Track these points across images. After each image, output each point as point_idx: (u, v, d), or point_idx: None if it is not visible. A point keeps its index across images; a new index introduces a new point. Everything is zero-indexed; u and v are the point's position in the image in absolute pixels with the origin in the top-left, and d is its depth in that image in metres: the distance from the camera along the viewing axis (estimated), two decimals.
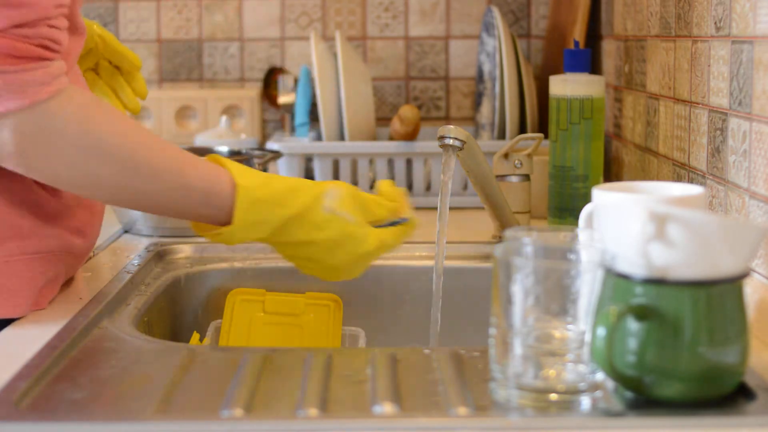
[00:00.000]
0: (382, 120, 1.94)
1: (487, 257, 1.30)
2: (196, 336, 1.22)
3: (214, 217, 0.98)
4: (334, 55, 1.68)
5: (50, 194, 1.02)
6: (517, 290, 0.75)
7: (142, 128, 0.97)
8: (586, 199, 1.33)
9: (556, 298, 0.75)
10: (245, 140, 1.84)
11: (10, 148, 0.89)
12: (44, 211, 1.01)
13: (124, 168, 0.93)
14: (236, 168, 0.98)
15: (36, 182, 1.01)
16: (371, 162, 1.62)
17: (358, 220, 1.00)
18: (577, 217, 0.96)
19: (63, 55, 0.93)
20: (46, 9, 0.88)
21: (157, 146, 0.96)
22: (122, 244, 1.35)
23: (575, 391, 0.76)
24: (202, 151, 1.51)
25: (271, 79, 1.98)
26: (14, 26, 0.86)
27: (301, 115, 1.79)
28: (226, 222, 0.98)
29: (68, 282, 1.12)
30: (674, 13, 1.29)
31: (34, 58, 0.88)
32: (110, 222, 1.44)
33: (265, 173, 1.01)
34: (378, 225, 1.02)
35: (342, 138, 1.65)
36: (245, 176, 0.98)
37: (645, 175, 1.44)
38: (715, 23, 1.13)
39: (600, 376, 0.77)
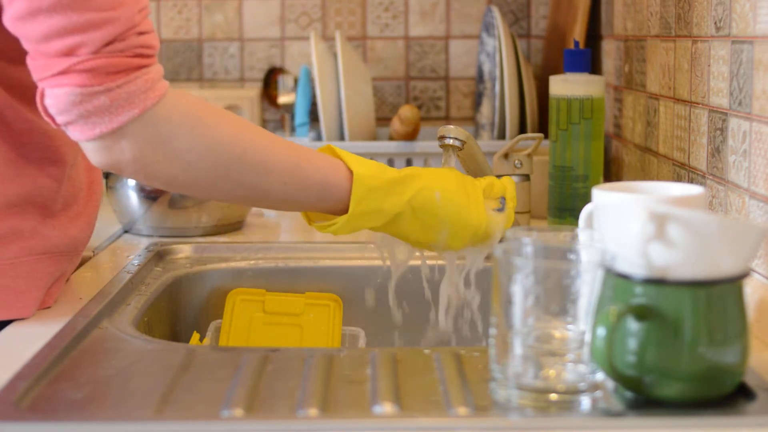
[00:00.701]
0: (382, 120, 1.94)
1: (487, 257, 1.29)
2: (196, 336, 1.22)
3: (330, 208, 0.99)
4: (334, 55, 1.68)
5: (53, 192, 1.02)
6: (517, 290, 0.75)
7: (251, 125, 0.98)
8: (586, 199, 1.33)
9: (556, 298, 0.75)
10: None
11: (129, 156, 0.90)
12: (48, 211, 1.02)
13: (238, 166, 0.94)
14: (351, 158, 0.99)
15: (39, 182, 1.01)
16: None
17: (469, 203, 1.02)
18: (577, 217, 0.96)
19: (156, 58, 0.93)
20: (131, 19, 0.89)
21: (269, 142, 0.96)
22: (122, 244, 1.35)
23: (575, 391, 0.76)
24: None
25: (271, 79, 1.98)
26: (106, 44, 0.87)
27: (301, 115, 1.79)
28: (341, 211, 0.98)
29: (68, 282, 1.12)
30: (674, 13, 1.29)
31: (132, 68, 0.89)
32: (110, 222, 1.44)
33: (377, 163, 1.02)
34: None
35: (342, 138, 1.65)
36: (361, 165, 0.98)
37: (645, 175, 1.44)
38: (715, 23, 1.13)
39: (600, 376, 0.77)
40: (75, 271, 1.14)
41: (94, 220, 1.12)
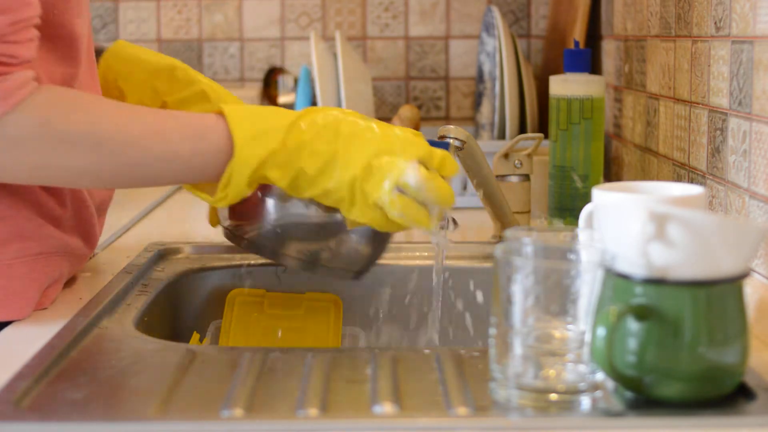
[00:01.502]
0: (382, 120, 1.94)
1: (487, 257, 1.30)
2: (196, 336, 1.22)
3: (215, 161, 0.94)
4: (334, 55, 1.68)
5: (50, 194, 1.02)
6: (517, 290, 0.75)
7: (112, 104, 0.95)
8: (586, 199, 1.33)
9: (556, 298, 0.75)
10: None
11: None
12: (44, 212, 1.01)
13: (94, 154, 0.93)
14: (220, 105, 0.97)
15: (26, 187, 1.00)
16: None
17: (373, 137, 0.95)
18: (577, 217, 0.96)
19: (31, 65, 0.92)
20: None
21: (128, 117, 0.94)
22: (122, 244, 1.35)
23: (575, 391, 0.76)
24: None
25: (271, 79, 1.98)
26: None
27: None
28: (227, 159, 0.94)
29: (68, 282, 1.12)
30: (674, 13, 1.29)
31: None
32: (110, 222, 1.44)
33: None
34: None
35: None
36: (230, 106, 0.95)
37: (645, 175, 1.44)
38: (715, 23, 1.13)
39: (600, 376, 0.77)
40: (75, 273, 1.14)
41: (98, 229, 1.11)
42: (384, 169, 0.94)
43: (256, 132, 0.93)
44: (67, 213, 1.05)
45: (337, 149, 0.94)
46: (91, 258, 1.25)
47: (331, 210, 1.01)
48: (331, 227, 1.04)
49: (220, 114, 0.95)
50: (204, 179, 0.96)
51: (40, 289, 1.01)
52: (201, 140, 0.94)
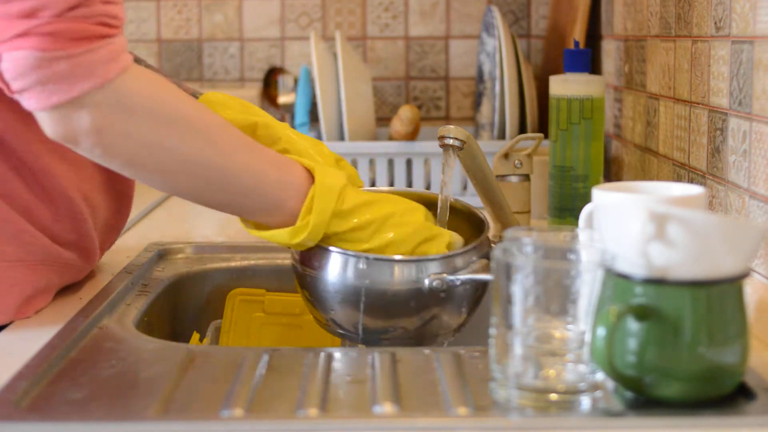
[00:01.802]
0: (382, 120, 1.94)
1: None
2: (196, 336, 1.22)
3: (286, 200, 0.96)
4: (334, 55, 1.68)
5: (43, 203, 1.00)
6: (517, 290, 0.75)
7: (206, 107, 0.96)
8: (586, 199, 1.33)
9: (556, 298, 0.75)
10: None
11: (87, 128, 0.87)
12: (35, 220, 0.99)
13: (201, 141, 0.92)
14: (302, 159, 0.98)
15: (26, 185, 0.99)
16: (371, 162, 1.62)
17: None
18: (577, 217, 0.96)
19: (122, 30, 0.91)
20: None
21: (225, 124, 0.95)
22: (122, 244, 1.35)
23: (575, 391, 0.76)
24: None
25: (271, 79, 1.98)
26: (70, 8, 0.85)
27: (301, 115, 1.79)
28: (294, 213, 0.96)
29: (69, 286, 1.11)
30: (674, 13, 1.29)
31: (96, 37, 0.86)
32: None
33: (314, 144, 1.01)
34: None
35: (342, 138, 1.65)
36: (317, 166, 0.97)
37: (645, 175, 1.44)
38: (715, 23, 1.13)
39: (600, 376, 0.77)
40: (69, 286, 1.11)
41: (97, 242, 1.08)
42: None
43: (330, 213, 0.96)
44: (63, 226, 1.02)
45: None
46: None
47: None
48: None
49: (309, 175, 0.97)
50: (267, 216, 0.97)
51: (20, 295, 0.99)
52: (282, 178, 0.96)
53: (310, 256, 1.01)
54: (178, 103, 0.92)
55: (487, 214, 1.17)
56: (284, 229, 0.96)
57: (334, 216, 0.96)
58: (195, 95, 1.16)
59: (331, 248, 0.98)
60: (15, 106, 0.95)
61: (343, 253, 0.98)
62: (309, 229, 0.95)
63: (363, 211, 0.98)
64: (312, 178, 0.97)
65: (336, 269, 0.99)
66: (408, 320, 0.99)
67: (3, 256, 0.98)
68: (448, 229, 1.07)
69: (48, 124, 0.88)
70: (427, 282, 0.97)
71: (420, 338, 1.00)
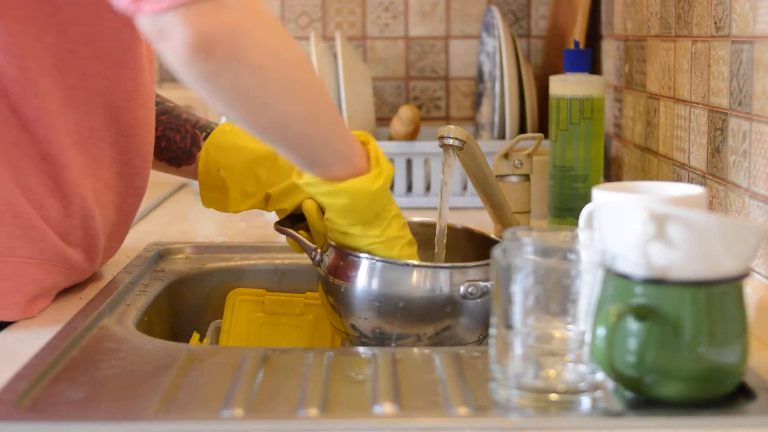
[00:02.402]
0: (382, 120, 1.94)
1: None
2: (196, 336, 1.22)
3: (339, 159, 0.96)
4: (334, 55, 1.68)
5: (54, 195, 1.00)
6: (517, 290, 0.75)
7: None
8: (586, 199, 1.33)
9: (556, 298, 0.75)
10: None
11: (232, 23, 0.82)
12: (43, 212, 1.00)
13: (305, 71, 0.91)
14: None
15: (43, 179, 1.00)
16: None
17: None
18: (577, 217, 0.96)
19: None
20: None
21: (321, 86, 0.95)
22: (122, 243, 1.35)
23: (575, 391, 0.76)
24: None
25: None
26: None
27: None
28: (339, 175, 0.96)
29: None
30: (674, 13, 1.29)
31: None
32: None
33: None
34: None
35: None
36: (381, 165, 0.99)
37: (645, 175, 1.44)
38: (715, 23, 1.13)
39: (600, 376, 0.77)
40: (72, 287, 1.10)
41: (101, 242, 1.08)
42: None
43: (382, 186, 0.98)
44: (72, 222, 1.03)
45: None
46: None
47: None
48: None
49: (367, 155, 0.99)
50: (312, 162, 0.96)
51: (26, 294, 0.99)
52: (351, 141, 0.98)
53: (339, 267, 1.02)
54: (292, 42, 0.90)
55: (493, 233, 1.18)
56: (360, 177, 0.96)
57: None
58: (208, 127, 1.17)
59: (363, 255, 1.00)
60: (53, 96, 0.96)
61: (380, 261, 0.99)
62: (385, 174, 0.97)
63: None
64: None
65: (370, 278, 1.00)
66: (435, 325, 0.99)
67: (13, 252, 0.98)
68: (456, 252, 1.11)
69: (183, 27, 0.80)
70: (462, 288, 0.98)
71: (442, 343, 1.00)
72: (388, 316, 0.99)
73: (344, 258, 1.01)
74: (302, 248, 1.08)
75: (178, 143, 1.18)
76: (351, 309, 1.01)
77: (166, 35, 0.81)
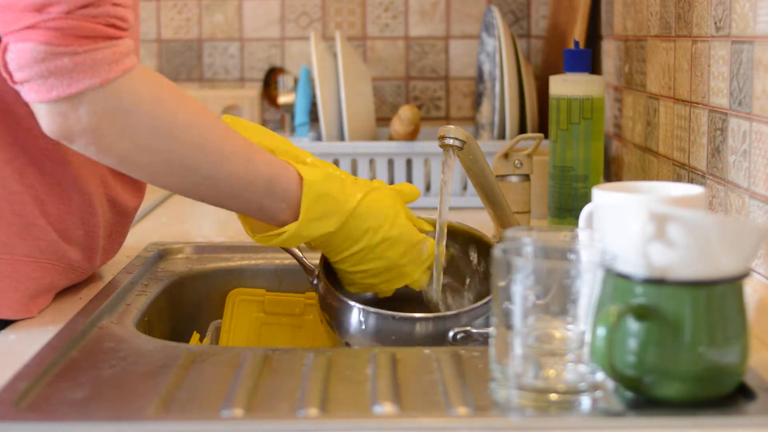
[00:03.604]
0: (382, 120, 1.94)
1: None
2: (196, 336, 1.22)
3: (275, 210, 0.98)
4: (334, 55, 1.68)
5: (54, 192, 1.01)
6: (517, 290, 0.75)
7: (210, 112, 0.97)
8: (586, 199, 1.33)
9: (556, 298, 0.75)
10: None
11: (84, 126, 0.89)
12: (43, 209, 1.00)
13: (193, 149, 0.93)
14: (301, 165, 1.00)
15: (42, 175, 1.00)
16: (371, 162, 1.62)
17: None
18: (577, 217, 0.96)
19: (129, 34, 0.93)
20: None
21: (225, 131, 0.96)
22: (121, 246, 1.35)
23: (575, 391, 0.76)
24: None
25: (271, 79, 1.98)
26: (80, 7, 0.86)
27: (301, 115, 1.79)
28: (287, 218, 0.98)
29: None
30: (674, 13, 1.29)
31: (102, 37, 0.88)
32: None
33: (324, 164, 1.03)
34: None
35: (342, 138, 1.65)
36: (310, 170, 0.99)
37: (645, 175, 1.44)
38: (715, 23, 1.13)
39: (600, 376, 0.77)
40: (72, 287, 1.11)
41: (101, 242, 1.08)
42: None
43: (321, 214, 0.98)
44: (73, 219, 1.03)
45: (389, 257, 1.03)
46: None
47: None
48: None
49: (299, 178, 0.98)
50: (260, 218, 1.00)
51: (25, 292, 0.99)
52: (272, 187, 0.97)
53: (330, 306, 1.03)
54: (177, 107, 0.93)
55: (493, 233, 1.18)
56: (269, 234, 0.98)
57: (324, 218, 0.99)
58: None
59: (351, 303, 1.01)
60: None
61: (363, 309, 1.00)
62: (287, 234, 0.98)
63: (366, 216, 1.01)
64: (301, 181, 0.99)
65: (355, 323, 1.01)
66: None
67: (12, 250, 0.98)
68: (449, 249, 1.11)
69: (45, 119, 0.89)
70: (451, 334, 0.98)
71: None
72: (383, 341, 1.00)
73: (335, 300, 1.03)
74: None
75: None
76: (346, 328, 1.02)
77: (38, 117, 0.90)
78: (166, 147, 0.92)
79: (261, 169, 0.97)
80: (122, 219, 1.12)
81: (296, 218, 0.98)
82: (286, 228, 0.98)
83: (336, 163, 1.62)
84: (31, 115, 0.98)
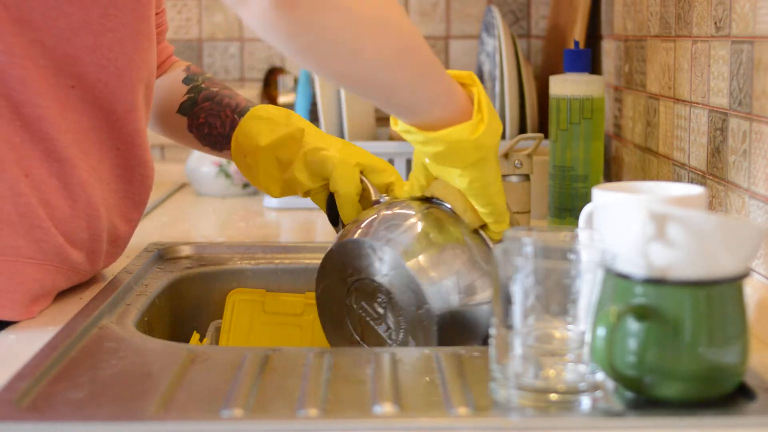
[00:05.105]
0: (382, 120, 1.94)
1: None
2: (196, 336, 1.22)
3: (440, 103, 0.93)
4: None
5: (61, 194, 1.00)
6: (517, 290, 0.75)
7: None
8: (586, 199, 1.33)
9: (556, 298, 0.75)
10: None
11: (267, 5, 0.81)
12: (47, 214, 1.00)
13: (392, 12, 0.88)
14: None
15: (50, 176, 0.99)
16: None
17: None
18: (577, 217, 0.96)
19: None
20: None
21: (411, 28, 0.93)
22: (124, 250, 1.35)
23: (575, 391, 0.76)
24: None
25: (271, 79, 1.98)
26: None
27: (301, 115, 1.79)
28: (439, 122, 0.92)
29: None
30: (674, 13, 1.29)
31: None
32: None
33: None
34: None
35: (342, 138, 1.65)
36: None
37: (645, 175, 1.44)
38: (715, 23, 1.13)
39: (600, 376, 0.77)
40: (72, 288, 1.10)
41: (104, 245, 1.08)
42: None
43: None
44: (78, 222, 1.02)
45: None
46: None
47: None
48: None
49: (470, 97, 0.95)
50: (448, 101, 0.94)
51: (28, 293, 0.99)
52: (449, 81, 0.93)
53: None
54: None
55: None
56: (459, 125, 0.93)
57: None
58: (246, 107, 1.18)
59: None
60: (52, 96, 0.96)
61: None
62: (486, 122, 0.93)
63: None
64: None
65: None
66: None
67: (17, 251, 0.98)
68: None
69: None
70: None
71: None
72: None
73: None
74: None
75: (219, 129, 1.21)
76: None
77: (245, 1, 0.82)
78: (381, 43, 0.87)
79: (436, 60, 0.93)
80: (125, 225, 1.12)
81: (452, 120, 0.92)
82: (482, 114, 0.92)
83: None
84: (41, 117, 0.98)
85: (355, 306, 1.00)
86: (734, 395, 0.78)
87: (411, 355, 0.90)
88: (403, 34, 0.90)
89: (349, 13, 0.85)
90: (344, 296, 1.01)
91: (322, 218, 1.53)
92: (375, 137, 1.70)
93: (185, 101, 1.22)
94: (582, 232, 0.83)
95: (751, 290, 0.96)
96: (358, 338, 1.01)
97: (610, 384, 0.79)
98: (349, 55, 0.87)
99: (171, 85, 1.24)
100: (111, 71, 1.02)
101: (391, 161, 1.62)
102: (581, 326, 0.76)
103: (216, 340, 1.23)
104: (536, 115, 1.68)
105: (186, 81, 1.24)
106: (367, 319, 1.00)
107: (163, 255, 1.30)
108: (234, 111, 1.20)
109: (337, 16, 0.85)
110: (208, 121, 1.21)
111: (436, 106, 0.93)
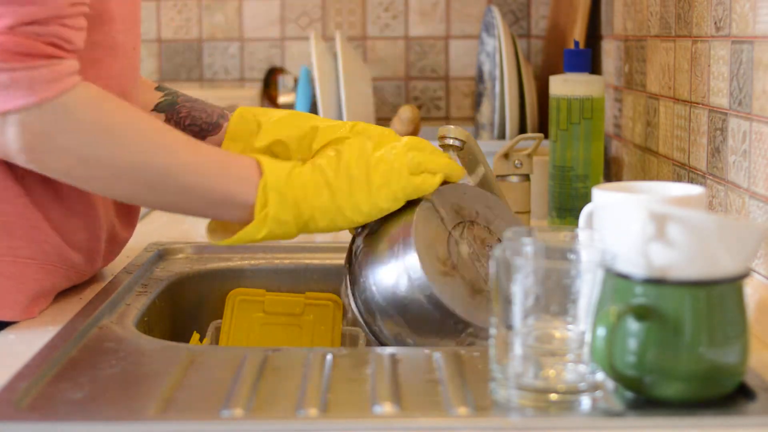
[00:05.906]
0: (382, 120, 1.94)
1: None
2: (196, 336, 1.22)
3: (236, 200, 0.96)
4: (334, 55, 1.68)
5: (57, 196, 1.01)
6: (517, 290, 0.75)
7: (154, 118, 0.96)
8: (586, 199, 1.33)
9: (556, 298, 0.75)
10: None
11: (18, 145, 0.89)
12: (45, 215, 1.00)
13: (136, 146, 0.92)
14: (266, 163, 0.96)
15: (40, 184, 1.00)
16: None
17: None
18: (577, 217, 0.96)
19: (76, 55, 0.92)
20: (60, 8, 0.87)
21: (169, 131, 0.95)
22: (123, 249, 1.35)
23: (575, 391, 0.76)
24: None
25: (271, 79, 1.98)
26: (24, 24, 0.86)
27: None
28: (245, 218, 0.96)
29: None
30: (674, 13, 1.29)
31: (42, 56, 0.87)
32: None
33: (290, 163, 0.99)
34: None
35: None
36: (273, 171, 0.96)
37: (645, 175, 1.44)
38: (715, 23, 1.13)
39: (600, 376, 0.77)
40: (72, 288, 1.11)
41: (103, 244, 1.08)
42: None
43: (280, 220, 0.96)
44: (76, 222, 1.02)
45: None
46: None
47: None
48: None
49: (258, 177, 0.96)
50: (229, 203, 0.96)
51: (27, 294, 0.99)
52: (227, 200, 0.96)
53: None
54: (116, 111, 0.93)
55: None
56: (245, 229, 0.96)
57: (296, 196, 0.96)
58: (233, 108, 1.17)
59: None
60: None
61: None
62: (269, 219, 0.95)
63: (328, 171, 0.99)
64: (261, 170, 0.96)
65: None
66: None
67: (16, 252, 0.98)
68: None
69: None
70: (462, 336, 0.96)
71: None
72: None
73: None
74: None
75: (204, 119, 1.19)
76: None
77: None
78: (108, 153, 0.91)
79: (212, 155, 0.95)
80: (124, 225, 1.12)
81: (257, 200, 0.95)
82: (245, 229, 0.95)
83: None
84: None
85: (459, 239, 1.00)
86: (734, 395, 0.78)
87: (411, 355, 0.90)
88: (156, 166, 0.93)
89: (66, 175, 0.93)
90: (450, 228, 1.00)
91: None
92: None
93: (161, 102, 1.20)
94: (582, 232, 0.83)
95: (751, 290, 0.96)
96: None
97: (610, 384, 0.79)
98: (104, 191, 0.97)
99: (145, 92, 1.22)
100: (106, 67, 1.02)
101: None
102: (581, 326, 0.76)
103: (216, 340, 1.23)
104: (536, 115, 1.68)
105: (159, 88, 1.22)
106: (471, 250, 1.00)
107: (163, 255, 1.30)
108: (221, 110, 1.19)
109: (60, 176, 0.93)
110: (191, 114, 1.18)
111: (227, 211, 0.97)
